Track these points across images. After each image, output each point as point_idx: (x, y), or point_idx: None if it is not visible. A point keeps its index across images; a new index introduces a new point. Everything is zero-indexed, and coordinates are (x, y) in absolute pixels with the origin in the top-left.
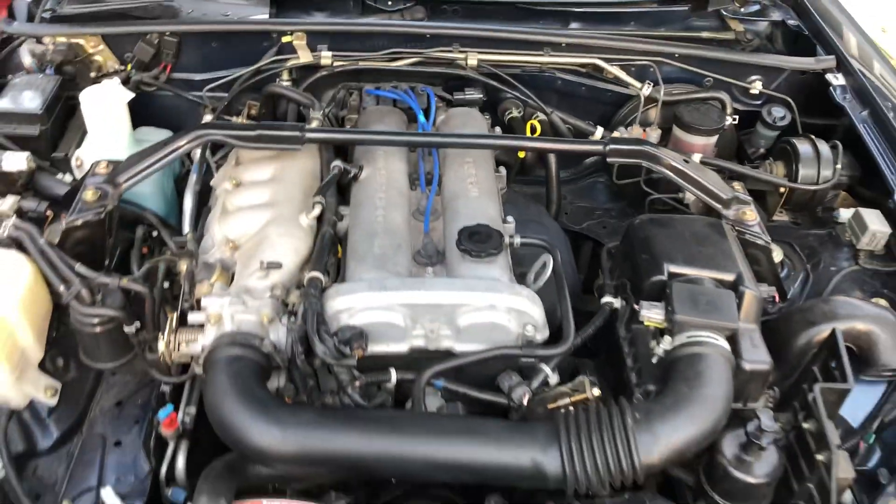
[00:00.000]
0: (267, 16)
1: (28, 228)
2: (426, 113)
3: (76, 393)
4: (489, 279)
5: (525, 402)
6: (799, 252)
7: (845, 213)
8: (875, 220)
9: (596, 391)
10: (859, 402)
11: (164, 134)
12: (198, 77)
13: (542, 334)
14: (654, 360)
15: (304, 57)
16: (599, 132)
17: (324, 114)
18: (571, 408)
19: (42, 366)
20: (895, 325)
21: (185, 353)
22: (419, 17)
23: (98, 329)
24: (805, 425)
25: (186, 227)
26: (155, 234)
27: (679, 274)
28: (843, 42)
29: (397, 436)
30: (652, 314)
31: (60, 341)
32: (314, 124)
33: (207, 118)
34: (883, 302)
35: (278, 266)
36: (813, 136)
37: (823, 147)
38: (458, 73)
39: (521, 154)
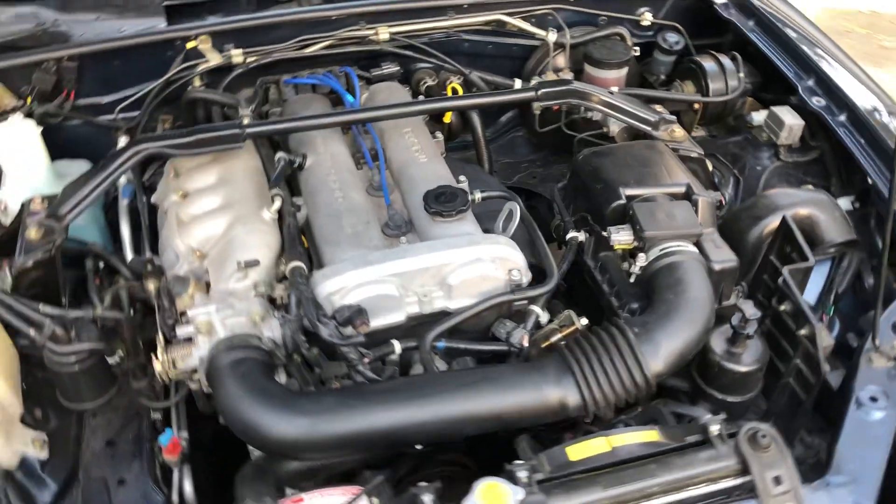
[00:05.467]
0: (164, 25)
1: None
2: (351, 92)
3: (63, 441)
4: (465, 235)
5: (526, 343)
6: (723, 160)
7: (758, 116)
8: (788, 115)
9: (584, 321)
10: (812, 281)
11: (82, 165)
12: (105, 100)
13: (527, 277)
14: (632, 279)
15: (214, 59)
16: (518, 84)
17: (252, 110)
18: (564, 340)
19: (22, 421)
20: (831, 204)
21: (183, 370)
22: (316, 2)
23: (77, 367)
24: (782, 307)
25: (129, 253)
26: (101, 264)
27: (635, 195)
28: None
29: (422, 399)
30: (621, 237)
31: (32, 392)
32: (246, 121)
33: (122, 140)
34: (811, 187)
35: (256, 263)
36: (713, 52)
37: (726, 60)
38: (374, 48)
39: (447, 119)
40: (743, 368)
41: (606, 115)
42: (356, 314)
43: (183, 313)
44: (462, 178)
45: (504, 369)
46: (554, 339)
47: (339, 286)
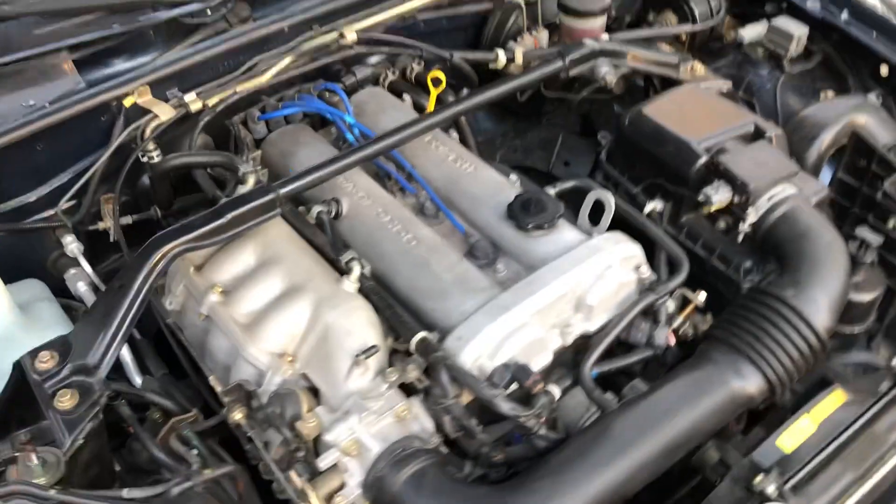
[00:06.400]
0: (83, 85)
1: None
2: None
3: None
4: (579, 245)
5: (673, 342)
6: None
7: (748, 33)
8: (793, 25)
9: (701, 294)
10: None
11: (34, 286)
12: (34, 196)
13: (648, 268)
14: (740, 239)
15: (165, 112)
16: (502, 55)
17: (254, 164)
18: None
19: None
20: (872, 106)
21: (348, 501)
22: (245, 14)
23: None
24: (891, 224)
25: (134, 377)
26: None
27: (710, 148)
28: None
29: (633, 443)
30: (721, 196)
31: None
32: (251, 181)
33: (69, 240)
34: (832, 93)
35: (376, 349)
36: None
37: None
38: (350, 53)
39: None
40: (867, 297)
41: (633, 69)
42: (521, 373)
43: (316, 438)
44: (513, 176)
45: (683, 380)
46: (676, 323)
47: (484, 346)
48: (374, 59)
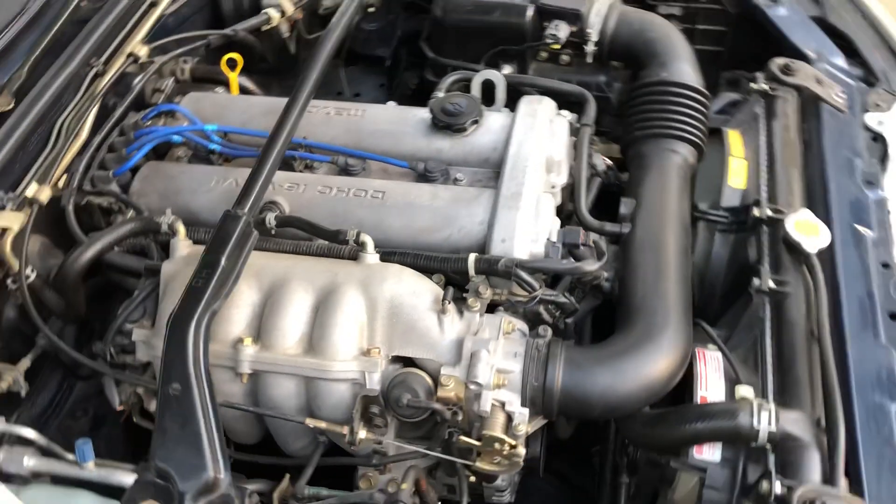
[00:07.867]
0: None
1: None
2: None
3: None
4: (507, 121)
5: (610, 162)
6: None
7: None
8: None
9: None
10: None
11: None
12: None
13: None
14: (590, 60)
15: (14, 220)
16: (274, 13)
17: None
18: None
19: None
20: None
21: (524, 430)
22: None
23: None
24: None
25: None
26: None
27: None
28: None
29: (667, 233)
30: (563, 31)
31: None
32: (181, 228)
33: None
34: None
35: (450, 289)
36: None
37: None
38: (151, 71)
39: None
40: None
41: None
42: (571, 237)
43: (460, 403)
44: (391, 103)
45: (649, 180)
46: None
47: (526, 235)
48: (136, 81)
